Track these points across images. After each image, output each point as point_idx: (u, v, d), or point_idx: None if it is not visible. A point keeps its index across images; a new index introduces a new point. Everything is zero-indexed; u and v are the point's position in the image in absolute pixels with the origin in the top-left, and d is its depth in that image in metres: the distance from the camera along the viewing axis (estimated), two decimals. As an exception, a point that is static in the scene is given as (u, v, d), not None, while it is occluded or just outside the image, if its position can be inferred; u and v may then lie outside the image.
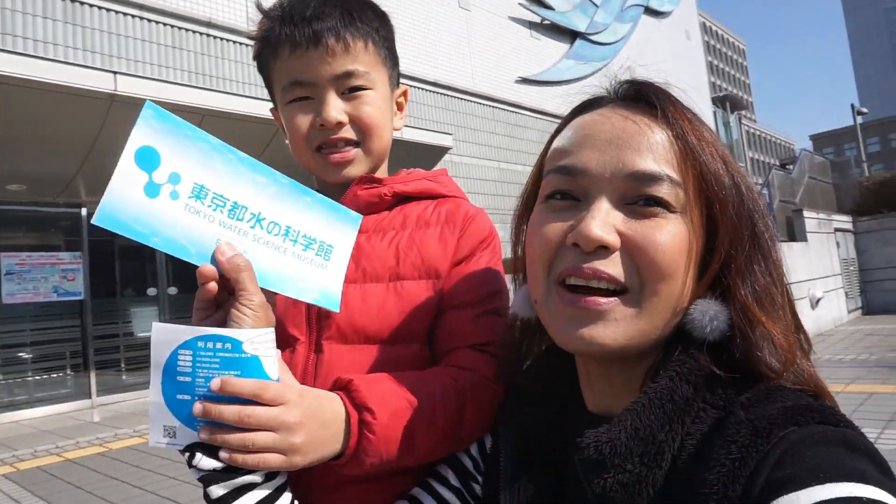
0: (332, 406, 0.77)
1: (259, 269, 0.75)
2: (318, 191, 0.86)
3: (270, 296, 0.77)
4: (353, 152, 0.99)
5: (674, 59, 21.97)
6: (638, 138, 0.67)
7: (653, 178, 0.65)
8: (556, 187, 0.71)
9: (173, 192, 0.70)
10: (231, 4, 9.82)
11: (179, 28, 9.24)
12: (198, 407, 0.68)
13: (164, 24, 9.09)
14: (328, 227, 0.82)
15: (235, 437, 0.68)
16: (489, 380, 0.89)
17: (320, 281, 0.81)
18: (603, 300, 0.65)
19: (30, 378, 8.82)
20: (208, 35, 9.52)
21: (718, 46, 74.70)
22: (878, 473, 0.52)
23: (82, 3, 8.33)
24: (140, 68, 8.55)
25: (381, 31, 1.02)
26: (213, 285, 0.72)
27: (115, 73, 7.19)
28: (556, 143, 0.74)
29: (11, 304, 8.49)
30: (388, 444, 0.79)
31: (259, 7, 1.03)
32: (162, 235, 0.70)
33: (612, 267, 0.65)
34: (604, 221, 0.65)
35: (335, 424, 0.76)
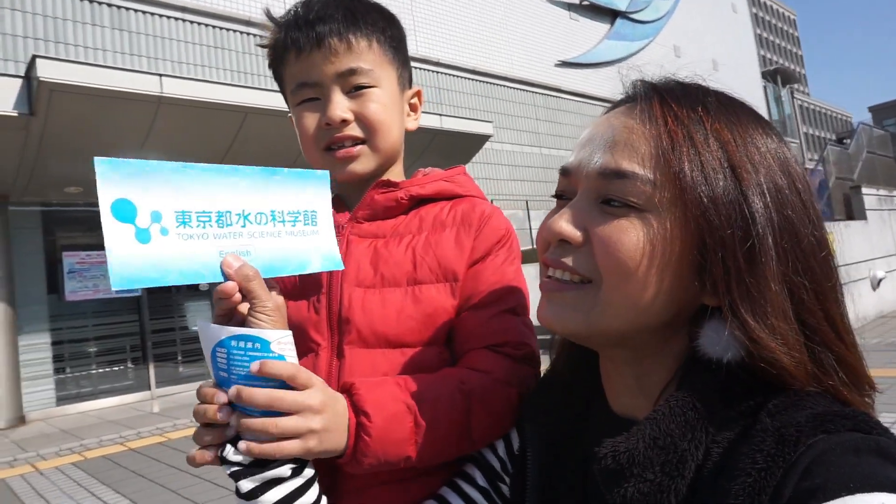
0: (343, 403, 0.81)
1: (264, 261, 0.79)
2: (334, 190, 0.90)
3: (279, 296, 0.80)
4: (359, 149, 1.00)
5: (720, 34, 21.23)
6: (615, 138, 0.67)
7: (618, 175, 0.65)
8: (558, 187, 0.75)
9: (162, 230, 0.72)
10: (270, 2, 9.97)
11: (221, 28, 9.44)
12: (232, 390, 0.72)
13: (206, 25, 9.30)
14: (304, 194, 0.85)
15: (257, 422, 0.71)
16: (501, 382, 0.89)
17: (317, 247, 0.86)
18: (560, 284, 0.69)
19: (94, 371, 9.26)
20: (249, 34, 9.69)
21: (767, 18, 71.85)
22: None
23: (128, 9, 8.59)
24: (184, 69, 8.79)
25: (387, 32, 1.02)
26: (237, 297, 0.75)
27: (160, 75, 7.41)
28: None
29: (74, 300, 8.91)
30: (384, 447, 0.81)
31: (268, 15, 1.05)
32: (174, 271, 0.72)
33: (571, 259, 0.68)
34: (570, 217, 0.68)
35: (344, 419, 0.79)
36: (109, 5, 8.46)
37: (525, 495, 0.80)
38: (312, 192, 0.86)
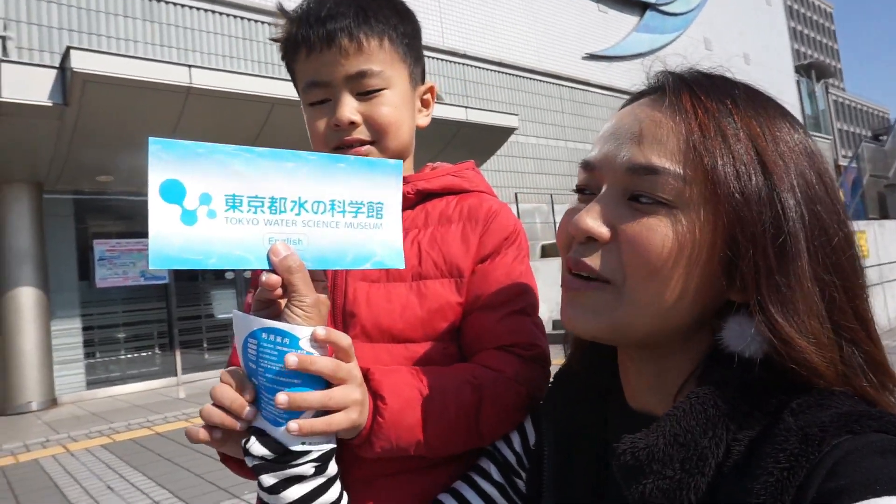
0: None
1: (317, 251, 0.76)
2: None
3: (323, 290, 0.78)
4: (367, 149, 0.99)
5: (753, 27, 20.77)
6: (643, 132, 0.65)
7: (648, 171, 0.63)
8: (580, 182, 0.72)
9: (210, 212, 0.71)
10: (297, -7, 10.03)
11: (249, 20, 9.52)
12: (282, 398, 0.70)
13: (235, 17, 9.40)
14: (371, 185, 0.80)
15: (315, 395, 0.73)
16: (512, 380, 0.89)
17: (379, 241, 0.80)
18: (581, 284, 0.67)
19: (122, 357, 9.48)
20: (276, 25, 9.77)
21: (802, 10, 70.10)
22: None
23: (159, 1, 8.71)
24: (213, 61, 8.90)
25: (399, 28, 1.00)
26: (279, 291, 0.74)
27: (189, 66, 7.51)
28: None
29: (104, 287, 9.12)
30: (397, 431, 0.82)
31: (280, 8, 1.04)
32: (216, 255, 0.71)
33: (594, 259, 0.65)
34: (597, 213, 0.65)
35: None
36: (141, -3, 8.60)
37: (541, 491, 0.80)
38: (382, 182, 0.81)
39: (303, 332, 0.72)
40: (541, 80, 14.44)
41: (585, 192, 0.72)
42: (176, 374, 9.52)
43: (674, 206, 0.62)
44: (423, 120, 1.08)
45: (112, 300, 9.41)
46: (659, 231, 0.62)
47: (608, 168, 0.67)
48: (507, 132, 11.25)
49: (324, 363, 0.73)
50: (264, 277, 0.73)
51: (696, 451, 0.60)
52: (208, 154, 0.72)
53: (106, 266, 9.13)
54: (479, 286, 0.96)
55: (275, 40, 1.05)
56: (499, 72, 13.46)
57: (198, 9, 9.07)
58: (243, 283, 10.31)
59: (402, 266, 0.81)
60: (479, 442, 0.89)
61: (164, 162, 0.71)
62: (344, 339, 0.75)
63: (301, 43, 0.97)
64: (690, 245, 0.62)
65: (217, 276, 10.46)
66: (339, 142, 0.99)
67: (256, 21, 9.63)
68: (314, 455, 0.73)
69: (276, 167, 0.75)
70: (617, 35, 16.20)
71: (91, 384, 8.96)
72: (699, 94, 0.65)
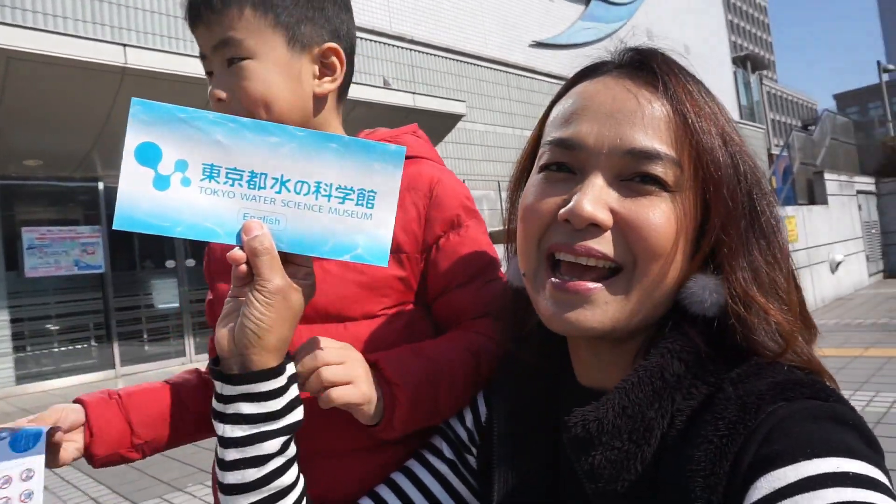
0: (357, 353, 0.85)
1: (294, 234, 0.73)
2: None
3: (306, 276, 0.76)
4: None
5: (693, 18, 21.38)
6: (638, 113, 0.65)
7: (650, 156, 0.63)
8: (553, 159, 0.69)
9: (184, 179, 0.69)
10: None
11: (188, -2, 9.15)
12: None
13: (173, -6, 9.00)
14: (364, 170, 0.73)
15: (339, 370, 0.80)
16: (495, 340, 0.93)
17: (365, 233, 0.74)
18: (591, 285, 0.65)
19: (56, 349, 9.05)
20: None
21: (739, 4, 72.50)
22: (865, 447, 0.52)
23: (90, -25, 8.27)
24: (150, 40, 8.52)
25: None
26: (243, 268, 0.71)
27: (124, 45, 7.17)
28: (556, 111, 0.72)
29: (35, 277, 8.66)
30: (414, 412, 0.84)
31: None
32: (184, 224, 0.69)
33: (604, 245, 0.64)
34: (597, 198, 0.64)
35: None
36: (70, -30, 8.14)
37: (492, 466, 0.81)
38: (379, 169, 0.74)
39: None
40: (488, 67, 14.46)
41: (555, 168, 0.69)
42: (114, 367, 9.17)
43: (670, 188, 0.64)
44: (323, 86, 0.98)
45: (43, 290, 8.94)
46: (659, 210, 0.64)
47: (602, 149, 0.65)
48: (454, 119, 11.24)
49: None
50: (230, 252, 0.71)
51: (643, 422, 0.62)
52: (189, 120, 0.70)
53: (36, 255, 8.67)
54: (451, 263, 0.95)
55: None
56: (446, 58, 13.41)
57: (132, -15, 8.66)
58: (185, 272, 9.99)
59: (384, 265, 0.75)
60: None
61: (143, 123, 0.68)
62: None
63: (187, 14, 0.96)
64: (683, 223, 0.65)
65: (157, 266, 10.10)
66: None
67: None
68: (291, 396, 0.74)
69: (260, 140, 0.71)
70: (563, 24, 16.37)
71: (21, 379, 8.52)
72: (681, 77, 0.68)
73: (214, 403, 0.74)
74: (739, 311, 0.63)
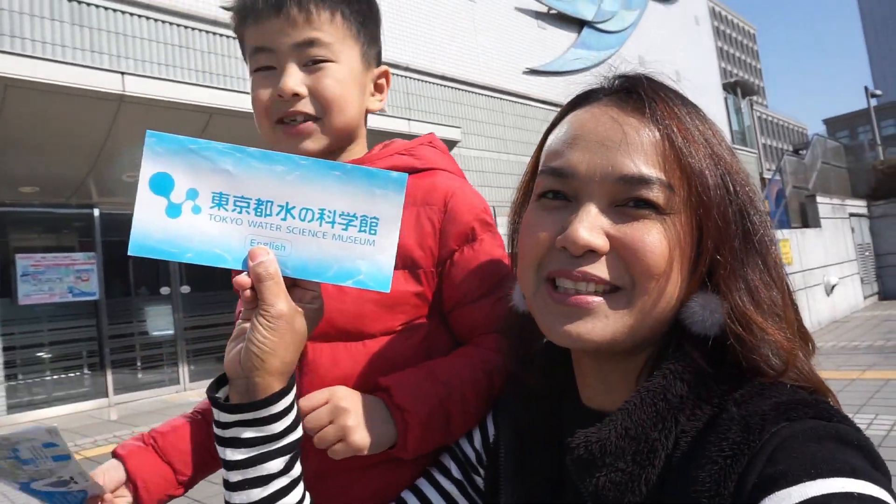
0: (375, 406, 0.86)
1: (299, 260, 0.74)
2: None
3: (312, 300, 0.77)
4: (310, 126, 0.97)
5: (683, 45, 21.74)
6: (627, 140, 0.66)
7: (640, 181, 0.65)
8: (548, 187, 0.71)
9: (194, 207, 0.72)
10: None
11: (185, 27, 9.26)
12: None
13: (170, 24, 9.11)
14: (367, 197, 0.75)
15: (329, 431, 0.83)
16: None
17: (367, 259, 0.75)
18: (591, 298, 0.66)
19: (48, 378, 8.93)
20: (214, 33, 9.53)
21: (728, 31, 73.81)
22: (869, 468, 0.52)
23: (89, 4, 8.37)
24: (147, 68, 8.59)
25: (353, 5, 0.99)
26: (248, 293, 0.73)
27: (122, 73, 7.23)
28: (550, 140, 0.74)
29: (28, 304, 8.59)
30: (427, 433, 0.86)
31: None
32: (194, 250, 0.72)
33: (602, 270, 0.65)
34: (592, 225, 0.65)
35: (381, 417, 0.85)
36: (69, 0, 8.23)
37: (499, 487, 0.81)
38: (381, 195, 0.75)
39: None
40: (482, 94, 14.62)
41: (551, 196, 0.70)
42: (107, 395, 9.05)
43: (663, 211, 0.65)
44: (376, 104, 1.06)
45: (37, 318, 8.86)
46: (654, 233, 0.64)
47: (594, 177, 0.66)
48: (449, 145, 11.33)
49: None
50: (236, 277, 0.73)
51: (647, 443, 0.62)
52: (200, 150, 0.73)
53: (30, 282, 8.62)
54: (465, 278, 0.96)
55: (226, 8, 1.04)
56: (441, 85, 13.55)
57: (131, 14, 8.75)
58: (180, 298, 9.94)
59: (386, 290, 0.76)
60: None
61: (157, 155, 0.71)
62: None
63: (250, 9, 0.95)
64: (679, 244, 0.65)
65: (152, 292, 10.04)
66: (281, 114, 0.96)
67: (193, 29, 9.36)
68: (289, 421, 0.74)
69: (267, 169, 0.74)
70: (556, 51, 16.60)
71: (13, 408, 8.40)
72: (669, 102, 0.69)
73: (214, 428, 0.75)
74: (738, 330, 0.63)
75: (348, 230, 0.75)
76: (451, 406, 0.87)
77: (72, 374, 9.14)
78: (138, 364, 9.72)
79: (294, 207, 0.74)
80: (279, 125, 0.97)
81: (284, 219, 0.74)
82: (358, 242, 0.75)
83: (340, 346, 0.93)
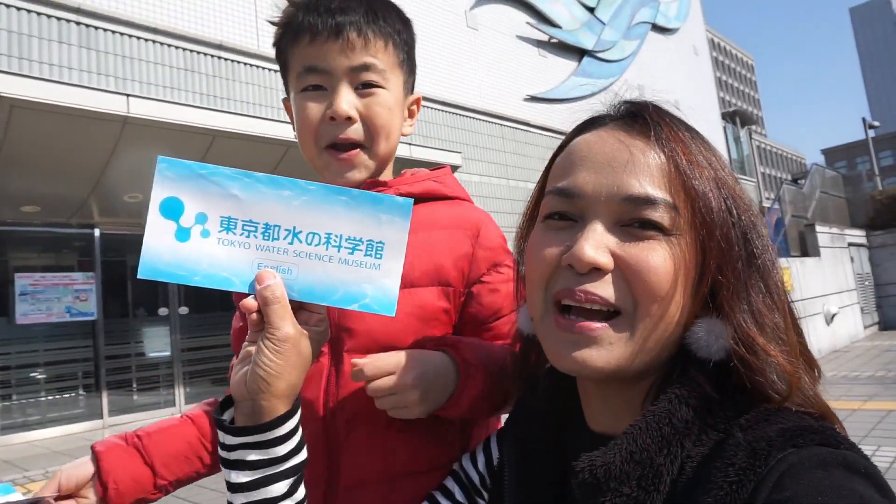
0: (439, 360, 0.90)
1: (305, 284, 0.75)
2: None
3: (319, 322, 0.77)
4: (359, 156, 0.99)
5: (682, 75, 22.01)
6: (634, 161, 0.67)
7: (646, 202, 0.66)
8: (554, 208, 0.72)
9: (203, 231, 0.73)
10: (242, 27, 9.97)
11: (191, 51, 9.38)
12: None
13: (176, 48, 9.24)
14: (373, 222, 0.76)
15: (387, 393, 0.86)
16: None
17: (373, 283, 0.76)
18: (596, 325, 0.66)
19: (42, 398, 8.86)
20: (219, 57, 9.65)
21: (727, 62, 74.87)
22: (878, 496, 0.51)
23: (97, 28, 8.49)
24: (152, 91, 8.68)
25: (402, 35, 1.02)
26: (254, 316, 0.73)
27: (127, 95, 7.30)
28: (557, 163, 0.75)
29: (25, 324, 8.56)
30: (482, 392, 0.90)
31: None
32: (202, 273, 0.73)
33: (605, 289, 0.66)
34: (598, 243, 0.65)
35: (444, 373, 0.89)
36: (78, 24, 8.36)
37: None
38: (387, 220, 0.76)
39: None
40: (484, 120, 14.76)
41: (557, 217, 0.71)
42: (102, 417, 8.96)
43: (668, 232, 0.65)
44: (408, 129, 1.10)
45: (33, 338, 8.81)
46: (658, 254, 0.65)
47: (600, 196, 0.67)
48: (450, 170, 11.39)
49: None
50: (243, 300, 0.73)
51: (652, 468, 0.61)
52: (209, 175, 0.74)
53: (28, 301, 8.59)
54: (491, 300, 1.01)
55: (273, 23, 1.03)
56: (443, 111, 13.70)
57: (138, 38, 8.88)
58: (178, 319, 9.90)
59: (391, 314, 0.77)
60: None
61: (168, 180, 0.73)
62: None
63: (306, 29, 0.96)
64: (683, 267, 0.65)
65: (150, 313, 10.01)
66: (331, 139, 0.98)
67: (198, 52, 9.49)
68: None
69: (274, 194, 0.75)
70: (556, 79, 16.80)
71: (6, 429, 8.31)
72: (673, 126, 0.70)
73: (220, 451, 0.74)
74: (743, 353, 0.63)
75: (354, 254, 0.76)
76: (501, 375, 0.91)
77: (67, 395, 9.06)
78: (134, 386, 9.65)
79: (301, 232, 0.75)
80: (327, 150, 0.99)
81: (291, 243, 0.75)
82: (364, 266, 0.76)
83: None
